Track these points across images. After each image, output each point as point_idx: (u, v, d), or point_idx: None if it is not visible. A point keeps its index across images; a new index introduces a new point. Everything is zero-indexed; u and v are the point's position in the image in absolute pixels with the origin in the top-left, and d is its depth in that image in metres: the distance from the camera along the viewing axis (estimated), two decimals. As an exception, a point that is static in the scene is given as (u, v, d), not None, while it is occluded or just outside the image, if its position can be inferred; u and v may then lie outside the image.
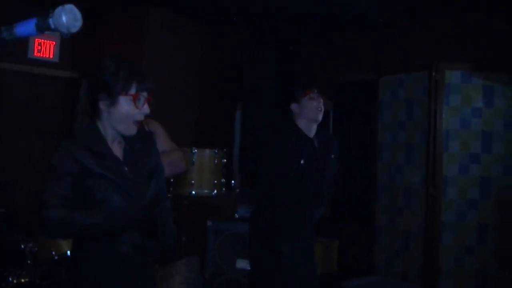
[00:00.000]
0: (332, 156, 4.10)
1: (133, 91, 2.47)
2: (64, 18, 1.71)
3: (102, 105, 2.50)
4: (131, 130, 2.55)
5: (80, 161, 2.41)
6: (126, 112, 2.48)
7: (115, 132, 2.55)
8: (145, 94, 2.51)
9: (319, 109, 3.96)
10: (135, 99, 2.47)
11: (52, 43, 7.00)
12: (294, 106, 4.00)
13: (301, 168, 3.83)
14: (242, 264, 4.84)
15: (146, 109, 2.52)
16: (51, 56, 6.98)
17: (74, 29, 1.76)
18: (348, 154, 6.48)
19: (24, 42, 6.66)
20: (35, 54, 6.86)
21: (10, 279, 4.37)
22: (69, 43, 6.92)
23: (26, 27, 1.75)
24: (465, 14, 5.86)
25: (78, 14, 1.76)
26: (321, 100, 3.98)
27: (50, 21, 1.72)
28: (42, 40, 6.91)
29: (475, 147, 5.35)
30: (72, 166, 2.39)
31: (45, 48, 6.96)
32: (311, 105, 3.95)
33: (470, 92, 5.36)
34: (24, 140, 6.53)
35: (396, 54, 6.35)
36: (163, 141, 3.89)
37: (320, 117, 3.96)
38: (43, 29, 1.74)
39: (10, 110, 7.05)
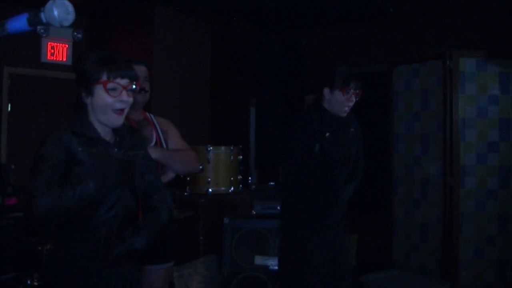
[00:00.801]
0: (352, 129, 4.05)
1: (103, 78, 2.40)
2: (55, 12, 1.69)
3: (84, 98, 2.46)
4: (114, 120, 2.47)
5: (69, 147, 2.35)
6: (102, 101, 2.42)
7: (102, 125, 2.50)
8: (122, 81, 2.43)
9: (346, 108, 3.87)
10: (105, 86, 2.39)
11: (65, 46, 7.05)
12: (326, 91, 3.86)
13: (326, 142, 3.77)
14: (260, 260, 4.82)
15: (124, 96, 2.44)
16: (64, 59, 7.04)
17: (66, 23, 1.74)
18: (364, 146, 6.44)
19: (36, 47, 6.71)
20: (48, 57, 6.90)
21: (29, 281, 4.41)
22: (81, 46, 6.95)
23: (18, 23, 1.73)
24: (478, 0, 5.78)
25: (70, 7, 1.74)
26: (353, 100, 3.87)
27: (42, 15, 1.70)
28: (55, 44, 6.96)
29: (492, 135, 5.28)
30: (61, 154, 2.33)
31: (58, 51, 7.01)
32: (341, 99, 3.83)
33: (486, 79, 5.28)
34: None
35: (409, 43, 6.28)
36: (175, 140, 3.88)
37: (343, 115, 3.89)
38: (35, 23, 1.72)
39: (24, 114, 7.11)
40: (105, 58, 2.44)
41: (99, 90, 2.41)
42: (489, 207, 5.23)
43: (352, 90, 3.81)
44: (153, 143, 3.68)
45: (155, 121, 3.81)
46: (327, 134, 3.77)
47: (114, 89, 2.41)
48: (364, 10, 6.38)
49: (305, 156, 3.77)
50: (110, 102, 2.42)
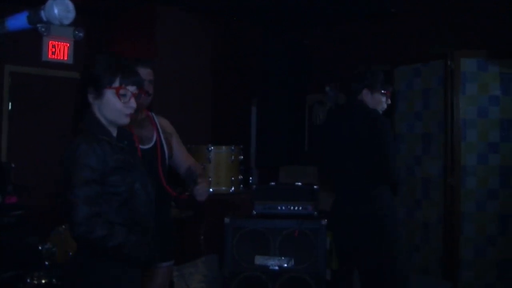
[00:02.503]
0: None
1: (116, 84, 2.50)
2: (55, 10, 1.68)
3: (90, 98, 2.54)
4: (123, 120, 2.58)
5: (103, 156, 2.42)
6: (112, 105, 2.51)
7: (109, 125, 2.58)
8: (132, 88, 2.54)
9: (383, 108, 4.23)
10: (118, 92, 2.49)
11: (66, 45, 7.02)
12: (366, 92, 4.18)
13: None
14: (261, 260, 4.81)
15: (132, 103, 2.54)
16: (65, 58, 7.01)
17: (66, 21, 1.73)
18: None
19: (37, 45, 6.70)
20: (49, 56, 6.88)
21: (29, 280, 4.40)
22: (83, 45, 6.93)
23: (17, 20, 1.72)
24: (480, 1, 5.77)
25: (70, 5, 1.73)
26: (389, 101, 4.27)
27: (42, 13, 1.69)
28: (56, 43, 6.93)
29: (493, 136, 5.29)
30: (99, 165, 2.39)
31: (59, 50, 6.98)
32: (381, 100, 4.20)
33: (487, 80, 5.29)
34: (39, 143, 6.57)
35: (410, 43, 6.26)
36: (182, 150, 3.92)
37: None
38: (35, 22, 1.71)
39: (25, 113, 7.10)
40: (118, 63, 2.55)
41: (109, 95, 2.51)
42: (490, 207, 5.24)
43: (390, 93, 4.23)
44: (153, 142, 3.68)
45: (156, 121, 3.80)
46: None
47: (124, 95, 2.51)
48: (365, 10, 6.38)
49: None
50: (120, 108, 2.51)
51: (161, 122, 3.84)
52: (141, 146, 3.56)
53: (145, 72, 3.66)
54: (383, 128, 4.02)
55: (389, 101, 4.25)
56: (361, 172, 4.07)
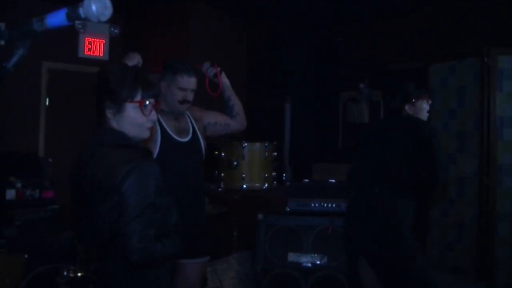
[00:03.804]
0: None
1: (138, 97, 2.40)
2: (93, 7, 1.71)
3: (109, 114, 2.43)
4: (144, 134, 2.48)
5: (157, 177, 2.37)
6: (134, 119, 2.40)
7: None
8: (152, 100, 2.44)
9: (427, 112, 4.09)
10: (141, 106, 2.40)
11: (102, 42, 7.07)
12: (408, 107, 4.02)
13: None
14: (294, 257, 4.82)
15: (153, 115, 2.45)
16: (101, 55, 7.06)
17: (104, 18, 1.75)
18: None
19: (73, 42, 6.80)
20: (85, 52, 6.97)
21: (65, 273, 4.47)
22: (118, 41, 7.01)
23: (56, 18, 1.75)
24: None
25: (107, 2, 1.75)
26: (430, 101, 4.11)
27: (80, 10, 1.72)
28: (92, 39, 7.00)
29: (531, 134, 5.21)
30: (155, 187, 2.33)
31: (95, 47, 7.04)
32: (425, 108, 4.05)
33: (525, 77, 5.22)
34: (76, 138, 6.65)
35: (445, 40, 6.21)
36: (213, 116, 4.00)
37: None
38: (73, 18, 1.74)
39: (62, 109, 7.21)
40: (138, 76, 2.44)
41: (130, 108, 2.41)
42: (527, 207, 5.16)
43: (427, 96, 4.08)
44: (190, 135, 3.75)
45: (188, 113, 3.87)
46: None
47: (146, 108, 2.41)
48: (398, 7, 6.35)
49: None
50: (142, 122, 2.42)
51: (190, 112, 3.90)
52: (179, 139, 3.64)
53: (191, 81, 3.70)
54: (434, 143, 3.85)
55: (430, 101, 4.13)
56: (397, 181, 3.89)
